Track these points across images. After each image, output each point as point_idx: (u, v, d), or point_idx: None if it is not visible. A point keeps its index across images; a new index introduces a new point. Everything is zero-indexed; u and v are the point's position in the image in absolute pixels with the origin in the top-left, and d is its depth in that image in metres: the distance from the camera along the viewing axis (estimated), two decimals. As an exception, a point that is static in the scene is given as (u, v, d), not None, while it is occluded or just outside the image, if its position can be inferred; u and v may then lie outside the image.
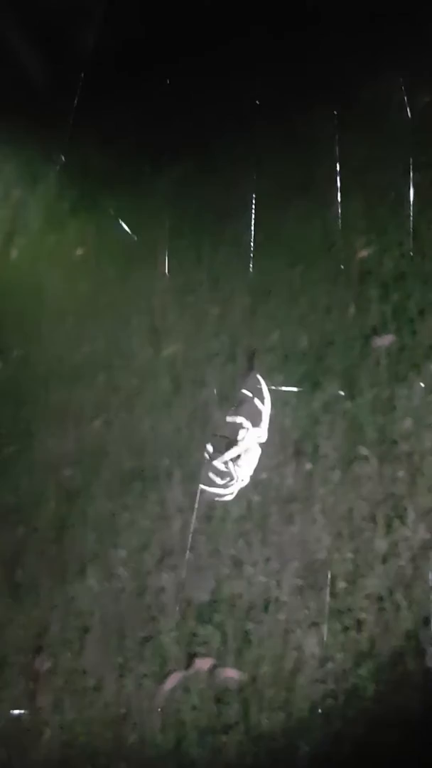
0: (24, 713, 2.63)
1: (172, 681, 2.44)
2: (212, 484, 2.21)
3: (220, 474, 2.24)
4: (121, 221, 4.11)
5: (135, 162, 5.33)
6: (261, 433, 2.28)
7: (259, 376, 2.27)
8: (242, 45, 5.42)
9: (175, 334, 3.89)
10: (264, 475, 2.89)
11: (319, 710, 2.17)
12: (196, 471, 3.08)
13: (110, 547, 2.99)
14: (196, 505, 2.63)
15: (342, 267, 3.63)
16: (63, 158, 5.34)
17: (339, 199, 3.98)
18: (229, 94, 5.21)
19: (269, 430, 3.07)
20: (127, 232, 4.50)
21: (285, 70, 5.11)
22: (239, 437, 2.24)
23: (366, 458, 2.64)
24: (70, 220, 5.21)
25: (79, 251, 4.91)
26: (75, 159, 5.71)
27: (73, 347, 4.13)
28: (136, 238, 4.17)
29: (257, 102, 4.49)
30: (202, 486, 2.20)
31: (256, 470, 2.93)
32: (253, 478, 2.89)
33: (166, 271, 3.93)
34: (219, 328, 3.76)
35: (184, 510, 2.95)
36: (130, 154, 5.48)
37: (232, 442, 2.23)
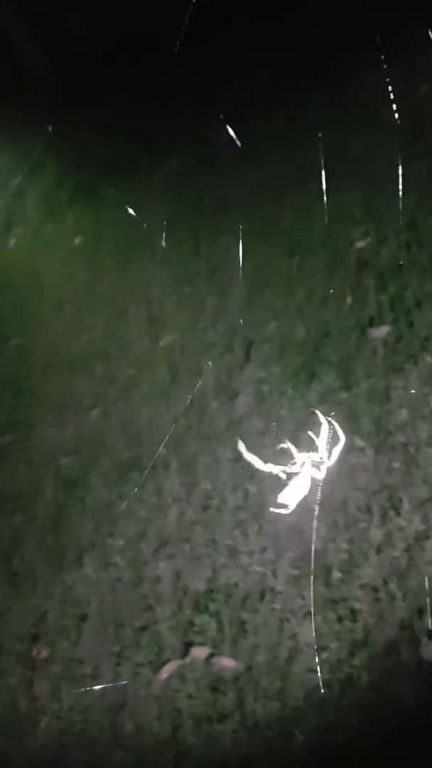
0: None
1: (168, 670, 2.46)
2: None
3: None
4: (127, 208, 4.09)
5: (133, 152, 5.32)
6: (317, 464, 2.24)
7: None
8: (238, 36, 5.40)
9: (173, 325, 3.90)
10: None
11: (314, 699, 2.18)
12: (192, 461, 3.10)
13: (107, 536, 3.01)
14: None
15: (339, 258, 3.63)
16: (50, 128, 5.30)
17: (336, 189, 3.98)
18: (227, 85, 5.19)
19: (265, 420, 3.10)
20: (127, 220, 4.50)
21: (281, 62, 5.10)
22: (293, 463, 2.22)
23: (362, 449, 2.65)
24: (67, 209, 5.21)
25: (77, 241, 4.91)
26: (73, 148, 5.71)
27: (71, 337, 4.14)
28: (145, 225, 4.14)
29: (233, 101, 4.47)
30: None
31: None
32: (250, 467, 2.94)
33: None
34: (216, 319, 3.76)
35: (181, 500, 2.97)
36: (128, 144, 5.47)
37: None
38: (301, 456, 2.19)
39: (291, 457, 2.20)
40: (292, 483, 2.20)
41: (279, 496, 2.22)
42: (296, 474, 2.18)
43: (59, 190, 5.39)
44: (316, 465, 2.21)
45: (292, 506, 2.14)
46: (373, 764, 2.07)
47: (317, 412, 2.31)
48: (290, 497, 2.22)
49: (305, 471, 2.15)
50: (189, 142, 5.11)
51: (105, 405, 3.67)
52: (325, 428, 2.21)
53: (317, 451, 2.18)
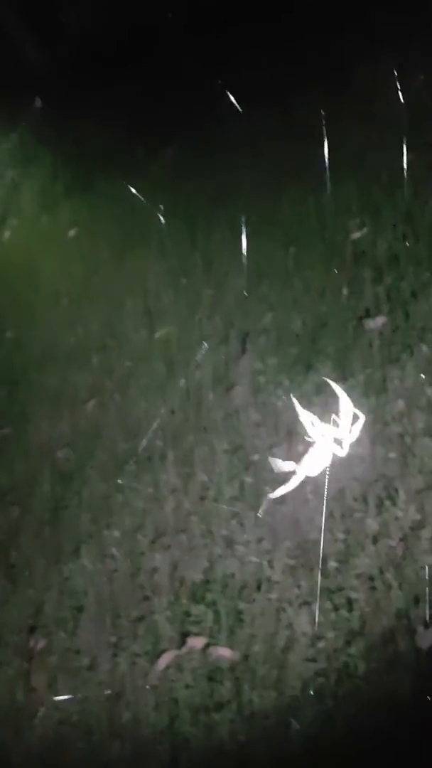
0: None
1: (165, 660, 2.46)
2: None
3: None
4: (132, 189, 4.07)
5: (129, 143, 5.31)
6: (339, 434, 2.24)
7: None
8: (237, 28, 5.39)
9: (169, 317, 3.89)
10: (256, 457, 2.91)
11: (311, 689, 2.19)
12: (188, 453, 3.10)
13: (104, 527, 3.01)
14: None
15: (335, 249, 3.63)
16: (40, 102, 5.28)
17: (333, 180, 3.98)
18: (225, 77, 5.17)
19: (262, 411, 3.10)
20: (123, 212, 4.49)
21: (279, 54, 5.09)
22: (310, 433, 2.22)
23: (358, 439, 2.64)
24: (63, 201, 5.19)
25: (72, 232, 4.90)
26: (69, 141, 5.69)
27: (67, 329, 4.13)
28: (162, 221, 4.13)
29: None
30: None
31: (248, 451, 2.97)
32: (247, 459, 2.95)
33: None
34: (212, 311, 3.76)
35: (178, 491, 2.97)
36: (125, 135, 5.46)
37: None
38: (322, 427, 2.19)
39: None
40: (311, 452, 2.20)
41: (297, 467, 2.23)
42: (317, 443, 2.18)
43: (55, 182, 5.37)
44: (338, 442, 2.22)
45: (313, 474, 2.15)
46: (370, 753, 2.07)
47: (334, 385, 2.32)
48: (310, 468, 2.23)
49: (326, 442, 2.16)
50: (186, 133, 5.11)
51: (101, 397, 3.67)
52: (345, 402, 2.22)
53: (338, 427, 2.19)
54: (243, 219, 4.14)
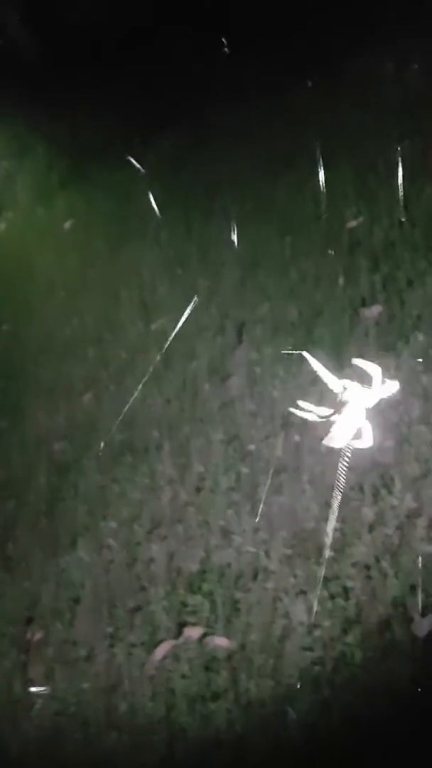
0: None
1: (161, 650, 2.46)
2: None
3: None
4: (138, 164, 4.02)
5: (124, 134, 5.28)
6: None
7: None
8: (230, 19, 5.35)
9: (165, 307, 3.88)
10: (252, 447, 2.90)
11: (307, 677, 2.18)
12: (185, 443, 3.09)
13: (100, 519, 3.00)
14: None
15: (331, 238, 3.61)
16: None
17: (328, 169, 3.96)
18: (219, 65, 5.15)
19: (258, 401, 3.09)
20: (119, 203, 4.47)
21: (273, 44, 5.06)
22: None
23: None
24: (58, 192, 5.17)
25: (68, 224, 4.87)
26: (64, 131, 5.66)
27: (63, 321, 4.12)
28: (158, 211, 4.11)
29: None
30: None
31: (244, 442, 2.96)
32: (243, 449, 2.94)
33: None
34: (209, 301, 3.74)
35: (174, 482, 2.96)
36: (120, 126, 5.43)
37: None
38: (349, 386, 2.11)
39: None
40: (339, 419, 2.12)
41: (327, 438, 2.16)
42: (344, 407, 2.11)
43: (50, 174, 5.35)
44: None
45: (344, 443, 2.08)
46: (367, 741, 2.07)
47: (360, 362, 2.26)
48: (341, 435, 2.17)
49: (356, 403, 2.08)
50: (181, 124, 5.09)
51: (97, 389, 3.66)
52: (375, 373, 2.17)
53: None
54: (239, 209, 4.13)
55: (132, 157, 4.94)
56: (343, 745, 2.09)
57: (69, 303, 4.27)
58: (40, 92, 5.93)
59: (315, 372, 3.02)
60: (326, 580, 2.31)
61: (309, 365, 3.05)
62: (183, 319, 3.19)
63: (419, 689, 2.08)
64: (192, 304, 3.22)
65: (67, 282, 4.43)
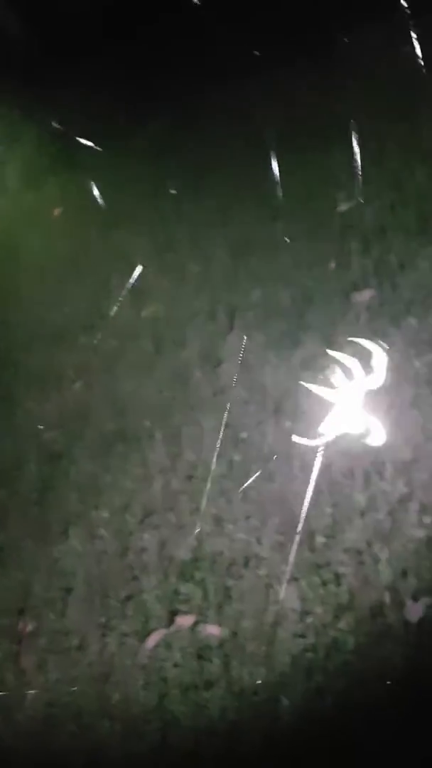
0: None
1: (154, 639, 2.45)
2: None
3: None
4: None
5: (114, 118, 5.22)
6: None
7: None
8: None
9: (156, 294, 3.84)
10: (244, 434, 2.88)
11: (300, 664, 2.17)
12: (176, 431, 3.06)
13: (92, 508, 2.98)
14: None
15: (323, 222, 3.58)
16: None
17: (319, 151, 3.92)
18: (210, 47, 5.08)
19: (250, 389, 3.07)
20: (108, 188, 4.42)
21: (265, 24, 4.99)
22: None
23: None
24: (48, 178, 5.11)
25: (58, 210, 4.82)
26: (54, 116, 5.59)
27: (53, 308, 4.08)
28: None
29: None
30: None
31: (236, 429, 2.94)
32: (235, 437, 2.92)
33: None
34: (200, 287, 3.71)
35: (166, 470, 2.94)
36: (109, 110, 5.36)
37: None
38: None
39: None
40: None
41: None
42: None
43: (39, 160, 5.29)
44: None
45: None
46: (360, 727, 2.06)
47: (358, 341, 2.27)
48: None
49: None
50: (171, 106, 5.02)
51: (88, 377, 3.63)
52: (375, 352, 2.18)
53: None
54: (229, 192, 4.09)
55: (121, 141, 4.90)
56: (336, 731, 2.08)
57: (59, 290, 4.22)
58: (29, 78, 5.85)
59: (306, 358, 3.03)
60: (318, 566, 2.29)
61: (301, 350, 3.06)
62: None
63: (412, 674, 2.07)
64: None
65: (57, 269, 4.38)
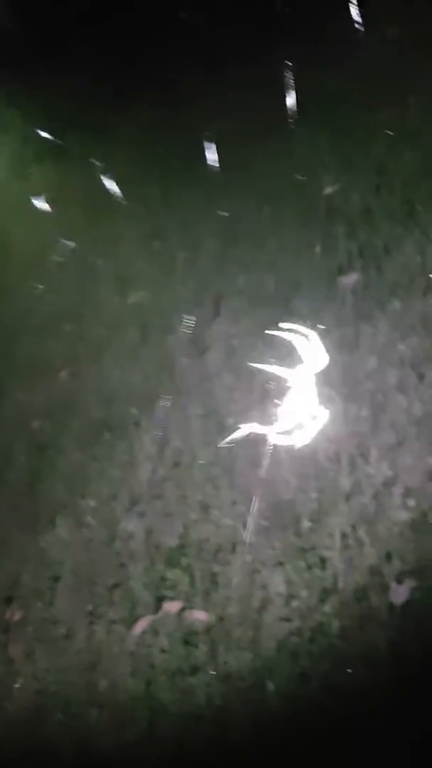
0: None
1: (141, 625, 2.45)
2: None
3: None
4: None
5: (100, 105, 5.17)
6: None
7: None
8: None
9: (143, 281, 3.82)
10: (231, 421, 2.87)
11: (285, 648, 2.17)
12: (163, 419, 3.05)
13: (80, 497, 2.97)
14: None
15: (310, 205, 3.56)
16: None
17: (305, 136, 3.90)
18: (196, 35, 5.04)
19: (236, 375, 3.06)
20: (95, 176, 4.39)
21: (250, 10, 4.95)
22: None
23: (331, 398, 2.60)
24: (34, 166, 5.07)
25: (44, 198, 4.78)
26: (39, 103, 5.55)
27: (39, 297, 4.05)
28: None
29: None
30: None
31: (222, 416, 2.93)
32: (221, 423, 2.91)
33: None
34: (187, 274, 3.69)
35: (152, 458, 2.93)
36: (96, 97, 5.31)
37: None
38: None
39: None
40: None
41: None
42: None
43: (24, 147, 5.24)
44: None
45: None
46: (346, 711, 2.07)
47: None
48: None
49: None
50: (157, 94, 4.98)
51: (75, 366, 3.61)
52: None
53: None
54: (216, 179, 4.07)
55: (108, 129, 4.86)
56: (323, 715, 2.09)
57: (46, 279, 4.19)
58: (14, 66, 5.79)
59: (293, 344, 3.01)
60: (303, 550, 2.29)
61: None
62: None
63: (398, 657, 2.07)
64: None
65: (44, 257, 4.34)
